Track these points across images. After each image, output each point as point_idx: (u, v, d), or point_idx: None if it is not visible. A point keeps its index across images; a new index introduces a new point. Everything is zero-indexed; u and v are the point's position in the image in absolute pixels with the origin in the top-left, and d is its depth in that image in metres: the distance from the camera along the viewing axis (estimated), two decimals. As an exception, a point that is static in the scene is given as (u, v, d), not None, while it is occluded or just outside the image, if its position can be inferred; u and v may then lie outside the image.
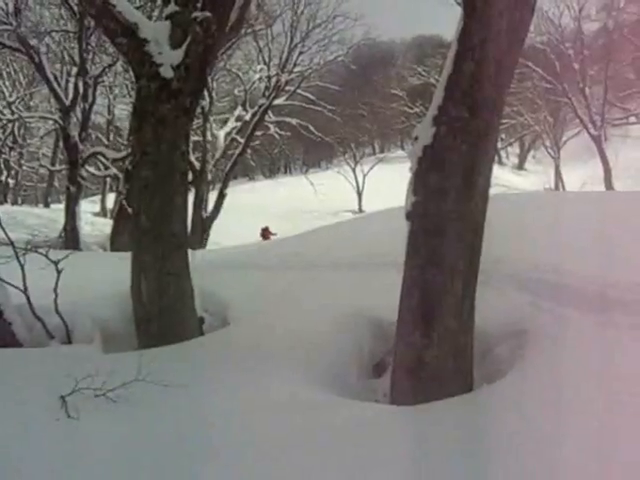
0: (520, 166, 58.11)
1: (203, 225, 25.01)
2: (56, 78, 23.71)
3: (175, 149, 7.46)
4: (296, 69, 30.13)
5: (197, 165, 25.21)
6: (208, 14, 7.43)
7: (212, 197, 26.53)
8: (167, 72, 7.35)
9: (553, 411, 4.61)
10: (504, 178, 45.04)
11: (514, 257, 8.55)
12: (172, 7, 7.73)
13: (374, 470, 4.07)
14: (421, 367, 5.26)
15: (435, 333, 5.18)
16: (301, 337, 6.65)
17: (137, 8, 16.60)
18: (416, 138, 5.32)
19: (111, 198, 34.96)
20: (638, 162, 41.22)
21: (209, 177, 26.93)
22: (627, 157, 42.11)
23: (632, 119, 43.32)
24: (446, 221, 5.13)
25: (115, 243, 22.54)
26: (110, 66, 25.63)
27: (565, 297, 6.96)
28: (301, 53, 30.49)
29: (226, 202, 26.31)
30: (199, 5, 7.60)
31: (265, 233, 26.39)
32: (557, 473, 3.89)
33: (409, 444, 4.54)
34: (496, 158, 27.00)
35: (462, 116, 5.10)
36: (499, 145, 51.78)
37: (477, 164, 5.18)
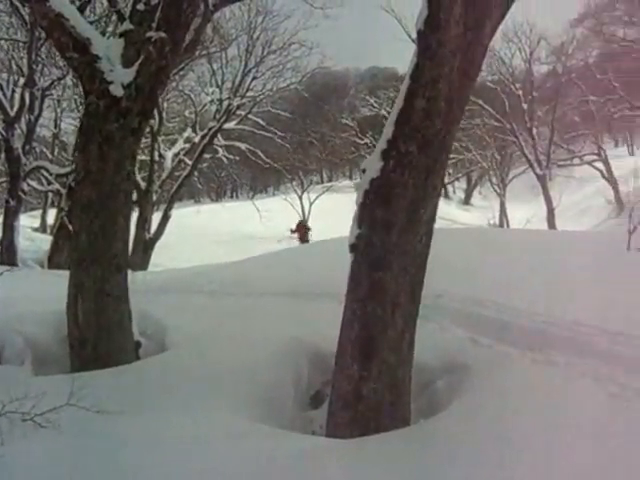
0: (466, 201, 58.90)
1: (145, 246, 24.71)
2: (1, 87, 23.26)
3: (120, 169, 7.35)
4: (248, 94, 30.14)
5: (143, 185, 24.94)
6: (163, 34, 7.36)
7: (156, 218, 26.26)
8: (117, 90, 7.26)
9: (487, 448, 4.62)
10: (450, 212, 45.63)
11: (456, 292, 8.64)
12: (127, 25, 7.68)
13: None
14: (358, 400, 5.22)
15: (374, 366, 5.16)
16: (238, 365, 6.56)
17: (91, 23, 16.47)
18: (364, 170, 5.33)
19: (52, 214, 34.28)
20: (580, 202, 42.24)
21: (154, 197, 26.63)
22: (570, 197, 43.13)
23: (576, 161, 44.38)
24: (390, 255, 5.13)
25: (54, 260, 22.12)
26: (60, 79, 25.25)
27: (505, 333, 7.06)
28: (255, 78, 30.51)
29: (170, 224, 26.07)
30: (154, 25, 7.53)
31: (300, 229, 24.22)
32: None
33: (342, 478, 4.49)
34: (443, 192, 27.30)
35: (411, 151, 5.12)
36: (446, 179, 52.54)
37: (423, 199, 5.20)
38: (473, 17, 5.05)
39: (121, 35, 7.66)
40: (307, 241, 23.03)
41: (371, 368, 5.17)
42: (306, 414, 6.40)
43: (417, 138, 5.12)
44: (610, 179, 38.55)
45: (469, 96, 5.69)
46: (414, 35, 5.31)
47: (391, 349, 5.21)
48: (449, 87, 5.09)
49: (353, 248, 5.28)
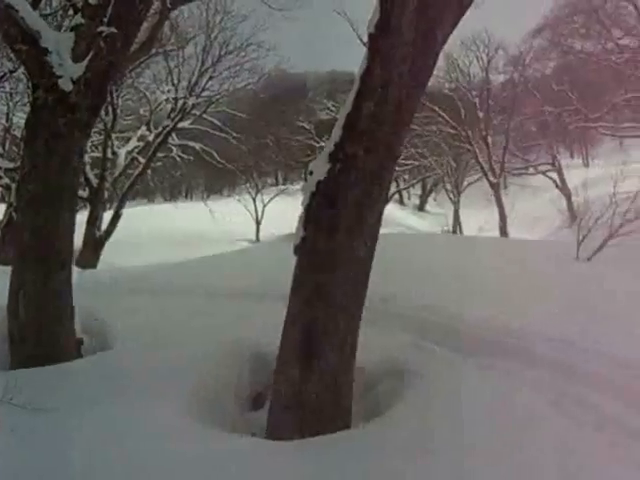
0: (421, 207, 59.12)
1: (96, 244, 24.36)
2: (-50, 81, 22.75)
3: (67, 165, 7.23)
4: (204, 93, 29.88)
5: (94, 182, 24.59)
6: (114, 30, 7.28)
7: (108, 216, 25.90)
8: (66, 85, 7.14)
9: (425, 452, 4.66)
10: (404, 219, 45.90)
11: (402, 297, 8.70)
12: (78, 19, 7.55)
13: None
14: (299, 402, 5.22)
15: (315, 368, 5.16)
16: (180, 365, 6.50)
17: (46, 16, 16.16)
18: (311, 173, 5.32)
19: (1, 209, 33.65)
20: (534, 211, 42.76)
21: (106, 195, 26.28)
22: (524, 206, 43.67)
23: (531, 170, 44.92)
24: (334, 257, 5.14)
25: (1, 256, 21.68)
26: (12, 72, 24.75)
27: (449, 339, 7.13)
28: (211, 78, 30.21)
29: (122, 222, 25.76)
30: (105, 20, 7.43)
31: None
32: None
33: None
34: (397, 198, 27.72)
35: (358, 155, 5.14)
36: (402, 185, 52.82)
37: (369, 203, 5.22)
38: (425, 23, 5.09)
39: (72, 29, 7.53)
40: None
41: (312, 370, 5.17)
42: (247, 416, 6.36)
43: (364, 142, 5.14)
44: (563, 189, 39.03)
45: (419, 101, 5.71)
46: (366, 38, 5.32)
47: (333, 352, 5.21)
48: (399, 92, 5.12)
49: (298, 250, 5.28)
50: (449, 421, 5.12)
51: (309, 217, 5.25)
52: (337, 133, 5.23)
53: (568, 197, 36.19)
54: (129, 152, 27.89)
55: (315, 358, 5.17)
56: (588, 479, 4.21)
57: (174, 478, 4.39)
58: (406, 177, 53.56)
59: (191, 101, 28.32)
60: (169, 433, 5.14)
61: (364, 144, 5.14)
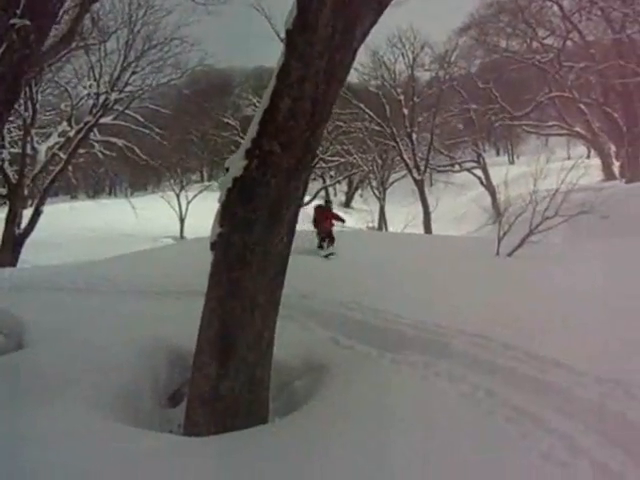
0: (347, 204, 59.34)
1: (15, 242, 23.74)
2: None
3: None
4: (127, 88, 29.42)
5: (14, 178, 23.98)
6: (27, 22, 7.13)
7: (28, 213, 25.27)
8: (-24, 79, 6.98)
9: (340, 445, 4.71)
10: (330, 215, 45.99)
11: (322, 293, 8.74)
12: (-11, 10, 7.37)
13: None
14: (216, 398, 5.21)
15: (232, 365, 5.17)
16: (97, 363, 6.41)
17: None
18: (227, 169, 5.31)
19: None
20: (459, 208, 43.45)
21: (26, 192, 25.63)
22: (449, 203, 44.38)
23: (456, 167, 45.60)
24: (250, 253, 5.14)
25: None
26: None
27: (366, 334, 7.19)
28: (134, 73, 29.75)
29: (43, 220, 25.16)
30: (19, 12, 7.26)
31: (327, 215, 14.74)
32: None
33: (198, 476, 4.46)
34: (323, 195, 27.48)
35: (275, 151, 5.13)
36: (328, 182, 52.93)
37: (286, 199, 5.23)
38: (343, 20, 5.08)
39: (-18, 21, 7.35)
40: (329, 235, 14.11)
41: (229, 367, 5.18)
42: (164, 412, 6.33)
43: (281, 138, 5.13)
44: (488, 186, 39.72)
45: (336, 97, 5.72)
46: (283, 34, 5.32)
47: (250, 348, 5.23)
48: (315, 88, 5.12)
49: (214, 246, 5.26)
50: (364, 415, 5.19)
51: (225, 213, 5.24)
52: (254, 129, 5.22)
53: (493, 194, 36.82)
54: (50, 148, 27.21)
55: (232, 354, 5.17)
56: (497, 469, 4.30)
57: (88, 477, 4.32)
58: (332, 174, 53.69)
59: (113, 96, 27.84)
60: (83, 432, 5.07)
61: (281, 140, 5.13)
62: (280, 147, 5.13)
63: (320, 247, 13.78)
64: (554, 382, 5.47)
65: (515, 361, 6.03)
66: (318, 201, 22.83)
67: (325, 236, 14.06)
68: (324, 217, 14.60)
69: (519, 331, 6.99)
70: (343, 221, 15.75)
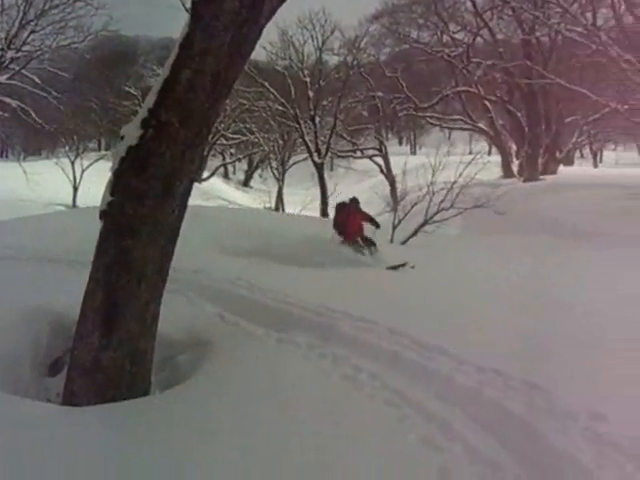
0: (246, 183, 59.03)
1: None
2: None
3: None
4: (25, 48, 28.40)
5: None
6: None
7: None
8: None
9: (220, 419, 4.77)
10: (228, 193, 45.68)
11: (213, 269, 8.72)
12: None
13: (33, 470, 3.97)
14: (97, 368, 5.14)
15: (115, 335, 5.10)
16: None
17: None
18: (122, 137, 5.21)
19: None
20: (356, 194, 43.86)
21: None
22: (348, 189, 44.86)
23: (358, 153, 45.96)
24: (140, 224, 5.07)
25: None
26: None
27: (253, 312, 7.23)
28: (33, 32, 28.74)
29: None
30: None
31: (354, 216, 11.88)
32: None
33: (78, 444, 4.39)
34: (222, 172, 27.38)
35: (172, 123, 5.07)
36: (228, 160, 52.62)
37: (180, 172, 5.18)
38: (251, -6, 5.07)
39: None
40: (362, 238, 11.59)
41: (112, 337, 5.11)
42: (43, 381, 6.19)
43: (179, 110, 5.08)
44: (388, 175, 40.18)
45: (239, 73, 5.68)
46: (189, 5, 5.25)
47: (134, 319, 5.17)
48: (218, 62, 5.08)
49: (103, 215, 5.17)
50: (245, 392, 5.24)
51: (118, 183, 5.15)
52: (152, 99, 5.13)
53: (392, 183, 37.38)
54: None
55: (115, 325, 5.11)
56: (374, 452, 4.37)
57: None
58: (232, 151, 53.36)
59: (9, 55, 26.84)
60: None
61: (179, 112, 5.07)
62: (178, 119, 5.07)
63: (359, 251, 11.20)
64: (436, 369, 5.59)
65: (399, 346, 6.12)
66: (218, 179, 22.41)
67: (356, 243, 11.38)
68: (350, 220, 11.52)
69: (405, 317, 7.15)
70: (378, 226, 12.02)
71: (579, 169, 43.63)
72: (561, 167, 38.98)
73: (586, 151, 58.48)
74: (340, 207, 12.24)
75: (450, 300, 8.30)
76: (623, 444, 4.17)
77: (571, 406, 4.74)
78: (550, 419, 4.57)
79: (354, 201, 12.05)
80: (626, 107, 23.68)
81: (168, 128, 5.07)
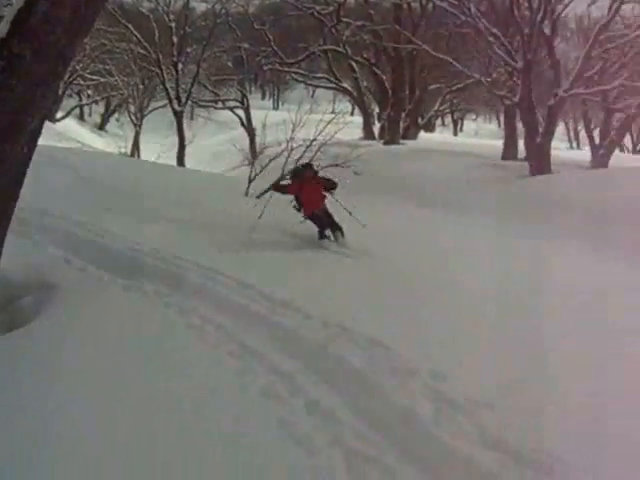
0: (101, 127, 56.91)
1: None
2: None
3: None
4: None
5: None
6: None
7: None
8: None
9: (60, 363, 4.69)
10: (82, 135, 43.93)
11: (60, 212, 8.45)
12: None
13: None
14: None
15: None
16: None
17: None
18: (-31, 66, 4.91)
19: None
20: (218, 145, 43.45)
21: None
22: (208, 139, 44.39)
23: (219, 104, 45.24)
24: (-16, 160, 4.83)
25: None
26: None
27: (101, 258, 7.08)
28: None
29: None
30: None
31: (311, 185, 9.78)
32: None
33: None
34: (77, 113, 26.24)
35: (25, 55, 4.80)
36: (84, 101, 50.55)
37: (31, 107, 4.92)
38: None
39: None
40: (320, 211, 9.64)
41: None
42: None
43: (33, 43, 4.80)
44: (248, 128, 39.81)
45: (99, 10, 5.44)
46: None
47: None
48: (77, -5, 4.86)
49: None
50: (88, 337, 5.15)
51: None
52: (3, 28, 4.85)
53: (251, 136, 37.18)
54: None
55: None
56: (214, 403, 4.34)
57: None
58: (90, 93, 51.23)
59: None
60: None
61: (33, 45, 4.80)
62: (31, 52, 4.81)
63: (324, 237, 9.49)
64: (282, 322, 5.63)
65: (248, 299, 6.14)
66: (73, 120, 21.14)
67: (320, 220, 9.61)
68: (305, 190, 9.64)
69: (253, 270, 7.15)
70: (334, 187, 9.91)
71: (439, 136, 44.69)
72: (422, 133, 39.84)
73: (447, 119, 60.27)
74: (294, 175, 10.51)
75: (298, 255, 8.41)
76: (460, 402, 4.31)
77: (412, 363, 4.86)
78: (391, 375, 4.67)
79: (308, 167, 10.23)
80: (489, 80, 24.36)
81: (20, 61, 4.80)
